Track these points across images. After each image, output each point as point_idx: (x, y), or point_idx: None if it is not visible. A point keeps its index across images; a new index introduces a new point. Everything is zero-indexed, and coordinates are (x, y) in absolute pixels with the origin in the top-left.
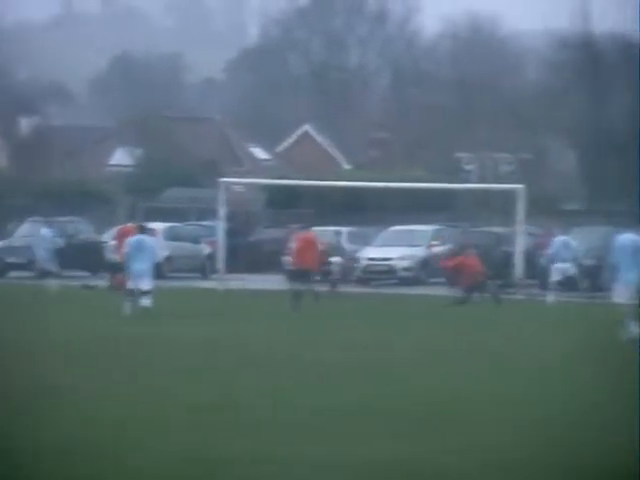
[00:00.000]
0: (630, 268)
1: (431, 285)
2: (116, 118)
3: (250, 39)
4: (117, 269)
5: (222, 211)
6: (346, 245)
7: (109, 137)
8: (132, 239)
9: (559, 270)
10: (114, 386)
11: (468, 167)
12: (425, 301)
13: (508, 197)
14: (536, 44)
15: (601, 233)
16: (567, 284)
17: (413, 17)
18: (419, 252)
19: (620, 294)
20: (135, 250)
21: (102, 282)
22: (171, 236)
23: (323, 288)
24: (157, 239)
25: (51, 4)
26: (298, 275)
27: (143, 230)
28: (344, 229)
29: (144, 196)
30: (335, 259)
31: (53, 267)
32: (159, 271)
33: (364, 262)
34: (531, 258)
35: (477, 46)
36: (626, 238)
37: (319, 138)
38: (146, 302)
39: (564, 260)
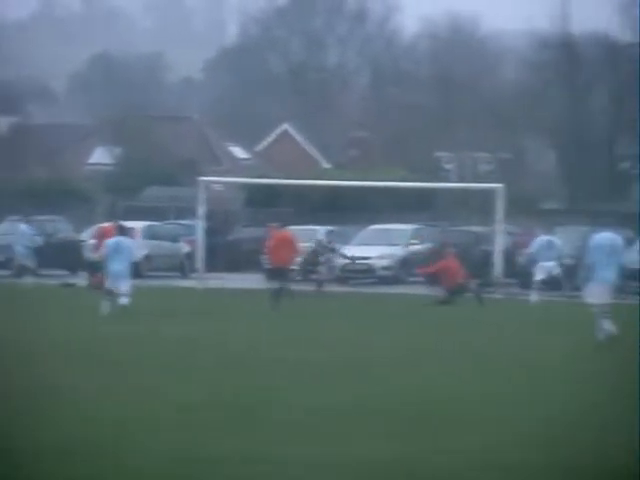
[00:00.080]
0: (606, 267)
1: (410, 284)
2: (96, 117)
3: (229, 38)
4: (96, 268)
5: (201, 210)
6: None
7: (89, 136)
8: (110, 241)
9: (543, 269)
10: (93, 385)
11: (447, 166)
12: (405, 300)
13: (487, 196)
14: (516, 44)
15: (582, 232)
16: (551, 283)
17: (393, 16)
18: (398, 251)
19: (594, 293)
20: (113, 251)
21: (81, 280)
22: (150, 235)
23: (310, 288)
24: (136, 238)
25: (31, 2)
26: (275, 273)
27: (122, 230)
28: (322, 228)
29: (123, 195)
30: (330, 258)
31: (31, 264)
32: (138, 270)
33: (344, 261)
34: (510, 257)
35: (457, 46)
36: (603, 237)
37: (298, 137)
38: (124, 301)
39: (548, 259)
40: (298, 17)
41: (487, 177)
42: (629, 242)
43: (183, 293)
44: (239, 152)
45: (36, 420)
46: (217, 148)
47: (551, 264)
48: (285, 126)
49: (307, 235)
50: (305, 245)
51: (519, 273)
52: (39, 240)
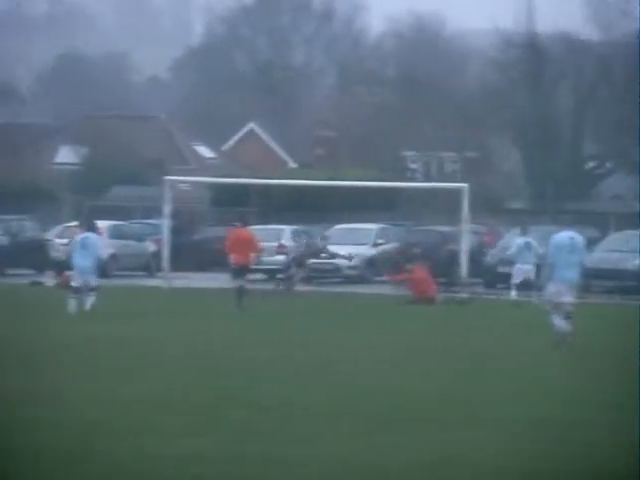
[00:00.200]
0: (567, 266)
1: (376, 284)
2: (61, 116)
3: (195, 37)
4: (63, 267)
5: (167, 209)
6: (288, 243)
7: (54, 135)
8: (78, 237)
9: (521, 271)
10: (59, 386)
11: (413, 166)
12: (373, 300)
13: (453, 196)
14: (481, 43)
15: (547, 232)
16: (527, 285)
17: (359, 16)
18: (364, 250)
19: (555, 292)
20: (80, 247)
21: (48, 279)
22: (116, 234)
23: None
24: (102, 237)
25: None
26: (235, 272)
27: (90, 227)
28: (287, 227)
29: (89, 194)
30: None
31: None
32: (104, 269)
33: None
34: (476, 257)
35: (422, 45)
36: (563, 236)
37: (264, 136)
38: (90, 300)
39: (526, 261)
40: (264, 16)
41: (453, 176)
42: (594, 241)
43: (149, 292)
44: (205, 151)
45: None
46: (183, 147)
47: (529, 266)
48: (251, 125)
49: (273, 234)
50: (268, 244)
51: (484, 273)
52: (4, 240)
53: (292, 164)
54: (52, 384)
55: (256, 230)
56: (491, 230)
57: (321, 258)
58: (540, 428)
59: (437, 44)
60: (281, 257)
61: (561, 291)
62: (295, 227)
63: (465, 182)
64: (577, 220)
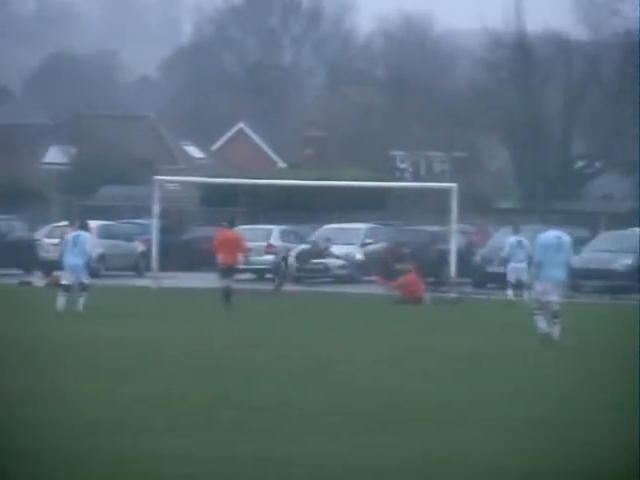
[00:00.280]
0: (554, 265)
1: (366, 283)
2: (50, 116)
3: (185, 37)
4: (52, 267)
5: (156, 209)
6: (277, 242)
7: (43, 135)
8: (70, 235)
9: (515, 270)
10: (57, 386)
11: (402, 165)
12: (363, 300)
13: (442, 195)
14: (470, 43)
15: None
16: (520, 284)
17: (348, 16)
18: (353, 250)
19: (541, 292)
20: (72, 245)
21: (36, 279)
22: (105, 234)
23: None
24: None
25: None
26: (223, 273)
27: (82, 225)
28: (276, 227)
29: (79, 194)
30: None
31: None
32: (93, 269)
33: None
34: (464, 256)
35: (411, 45)
36: (549, 235)
37: (254, 136)
38: (82, 300)
39: (519, 260)
40: (253, 16)
41: (442, 176)
42: (584, 241)
43: (138, 292)
44: (194, 151)
45: None
46: (173, 147)
47: (522, 265)
48: (240, 125)
49: (261, 234)
50: (257, 244)
51: (473, 272)
52: None
53: (281, 164)
54: (50, 384)
55: (245, 230)
56: (480, 230)
57: (324, 258)
58: (539, 428)
59: (426, 44)
60: (270, 257)
61: (547, 290)
62: (284, 227)
63: (454, 182)
64: (566, 220)
